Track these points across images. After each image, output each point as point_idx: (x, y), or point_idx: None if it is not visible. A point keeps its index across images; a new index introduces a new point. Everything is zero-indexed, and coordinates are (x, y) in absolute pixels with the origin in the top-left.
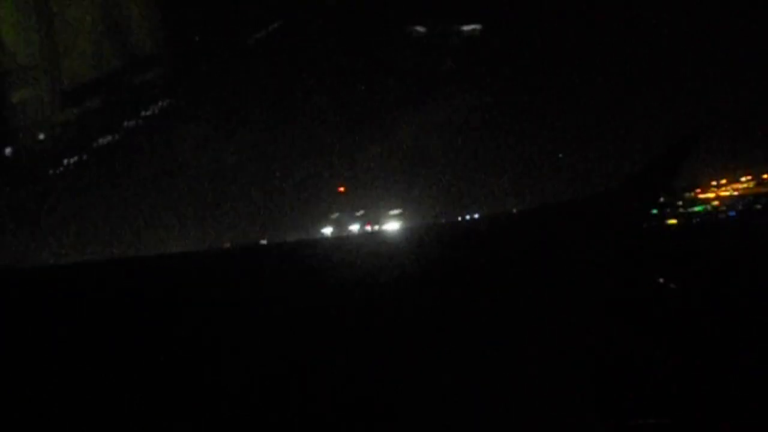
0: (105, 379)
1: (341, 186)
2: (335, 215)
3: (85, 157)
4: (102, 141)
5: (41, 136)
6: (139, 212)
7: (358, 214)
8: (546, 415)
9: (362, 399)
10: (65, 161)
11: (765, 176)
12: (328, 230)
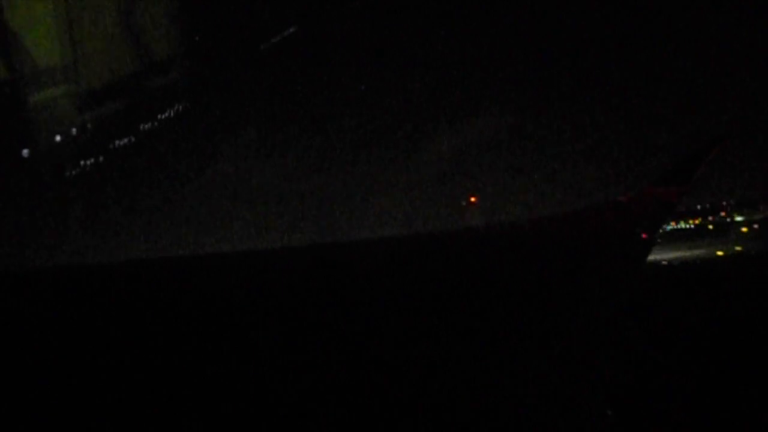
0: (126, 384)
1: (472, 197)
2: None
3: (101, 159)
4: (119, 143)
5: (59, 138)
6: (156, 214)
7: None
8: (555, 423)
9: (368, 401)
10: (82, 163)
11: None
12: None
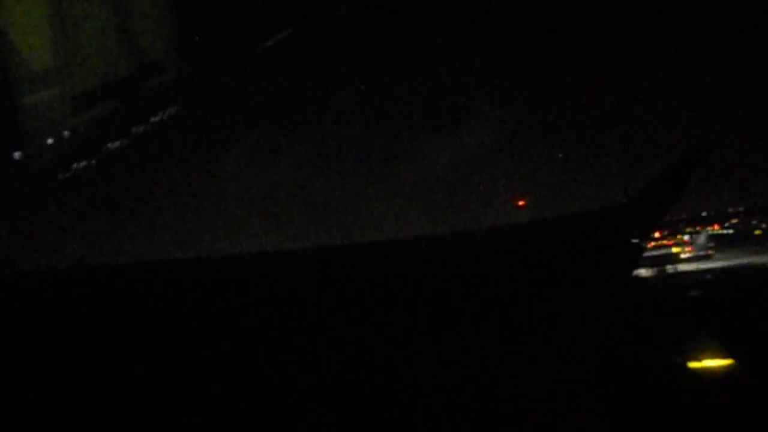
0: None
1: (521, 200)
2: None
3: (94, 161)
4: (111, 146)
5: (51, 140)
6: (147, 217)
7: None
8: (554, 425)
9: (370, 402)
10: (74, 165)
11: None
12: None
